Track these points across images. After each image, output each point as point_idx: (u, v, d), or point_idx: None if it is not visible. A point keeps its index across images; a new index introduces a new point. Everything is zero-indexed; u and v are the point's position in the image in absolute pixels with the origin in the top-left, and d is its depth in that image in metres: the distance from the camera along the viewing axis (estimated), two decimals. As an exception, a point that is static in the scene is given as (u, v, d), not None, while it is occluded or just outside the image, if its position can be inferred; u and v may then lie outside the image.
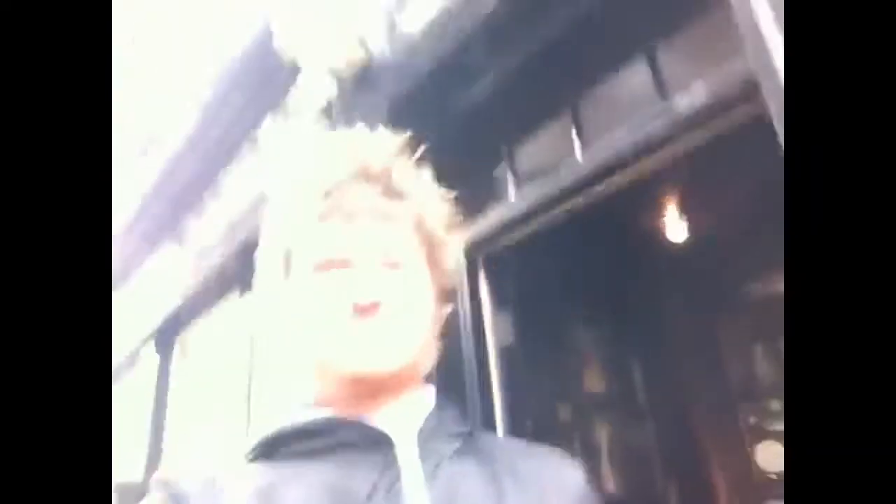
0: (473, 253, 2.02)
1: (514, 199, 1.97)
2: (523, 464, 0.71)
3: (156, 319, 3.70)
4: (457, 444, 0.70)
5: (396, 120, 2.05)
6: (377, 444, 0.66)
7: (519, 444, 0.79)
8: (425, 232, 0.74)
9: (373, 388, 0.68)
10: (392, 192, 0.72)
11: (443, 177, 0.87)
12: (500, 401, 1.87)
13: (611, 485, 2.24)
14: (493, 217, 1.98)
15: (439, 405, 0.74)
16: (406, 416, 0.70)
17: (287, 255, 0.71)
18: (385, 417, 0.68)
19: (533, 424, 1.96)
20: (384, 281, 0.68)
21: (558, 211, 1.85)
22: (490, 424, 1.83)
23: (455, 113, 2.13)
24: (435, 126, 2.11)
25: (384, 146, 0.73)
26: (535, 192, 1.87)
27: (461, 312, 1.95)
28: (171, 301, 3.54)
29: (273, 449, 0.68)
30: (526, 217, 1.90)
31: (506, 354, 1.95)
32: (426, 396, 0.74)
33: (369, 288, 0.66)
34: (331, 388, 0.70)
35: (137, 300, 3.88)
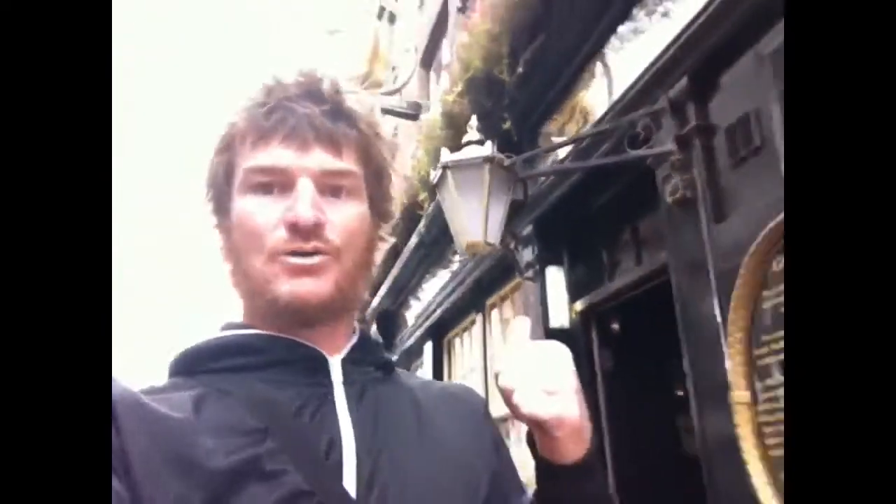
0: (588, 313, 3.32)
1: (607, 282, 3.22)
2: (437, 393, 0.76)
3: (431, 321, 5.70)
4: (379, 373, 0.72)
5: (540, 229, 3.45)
6: (309, 362, 0.66)
7: (432, 381, 0.82)
8: (371, 159, 0.71)
9: (306, 317, 0.65)
10: (340, 115, 0.67)
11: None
12: (604, 410, 3.16)
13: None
14: (597, 293, 3.25)
15: (362, 336, 0.73)
16: (333, 341, 0.69)
17: (228, 169, 0.68)
18: (313, 341, 0.67)
19: (630, 424, 3.17)
20: (325, 205, 0.65)
21: (636, 291, 3.05)
22: (598, 427, 3.13)
23: (572, 224, 3.42)
24: (562, 233, 3.45)
25: (339, 77, 0.71)
26: (618, 281, 3.10)
27: (578, 352, 3.28)
28: (439, 310, 5.45)
29: (199, 365, 0.65)
30: (616, 294, 3.14)
31: (607, 376, 3.23)
32: (351, 327, 0.73)
33: (310, 208, 0.63)
34: (262, 311, 0.66)
35: (421, 308, 5.86)
